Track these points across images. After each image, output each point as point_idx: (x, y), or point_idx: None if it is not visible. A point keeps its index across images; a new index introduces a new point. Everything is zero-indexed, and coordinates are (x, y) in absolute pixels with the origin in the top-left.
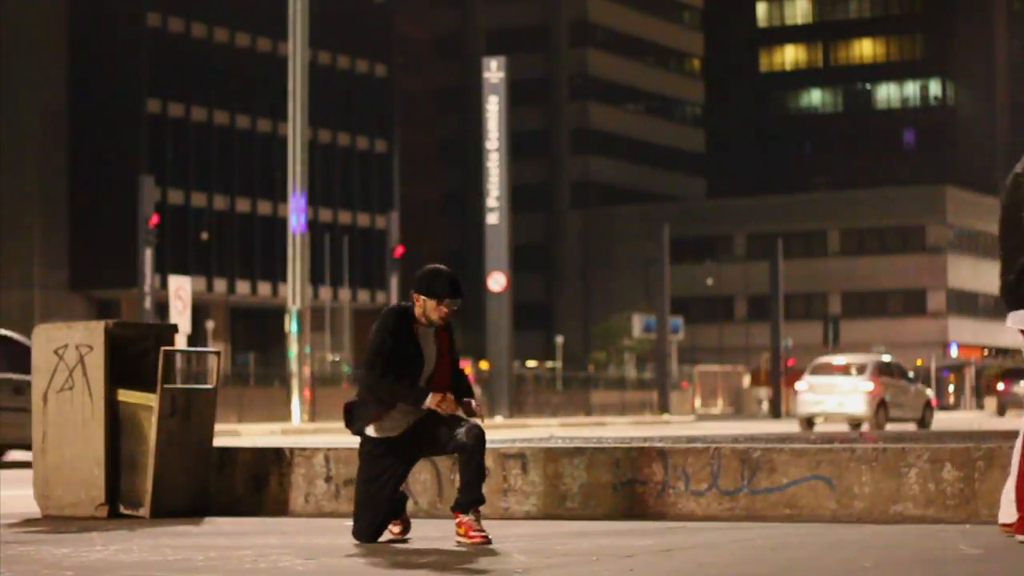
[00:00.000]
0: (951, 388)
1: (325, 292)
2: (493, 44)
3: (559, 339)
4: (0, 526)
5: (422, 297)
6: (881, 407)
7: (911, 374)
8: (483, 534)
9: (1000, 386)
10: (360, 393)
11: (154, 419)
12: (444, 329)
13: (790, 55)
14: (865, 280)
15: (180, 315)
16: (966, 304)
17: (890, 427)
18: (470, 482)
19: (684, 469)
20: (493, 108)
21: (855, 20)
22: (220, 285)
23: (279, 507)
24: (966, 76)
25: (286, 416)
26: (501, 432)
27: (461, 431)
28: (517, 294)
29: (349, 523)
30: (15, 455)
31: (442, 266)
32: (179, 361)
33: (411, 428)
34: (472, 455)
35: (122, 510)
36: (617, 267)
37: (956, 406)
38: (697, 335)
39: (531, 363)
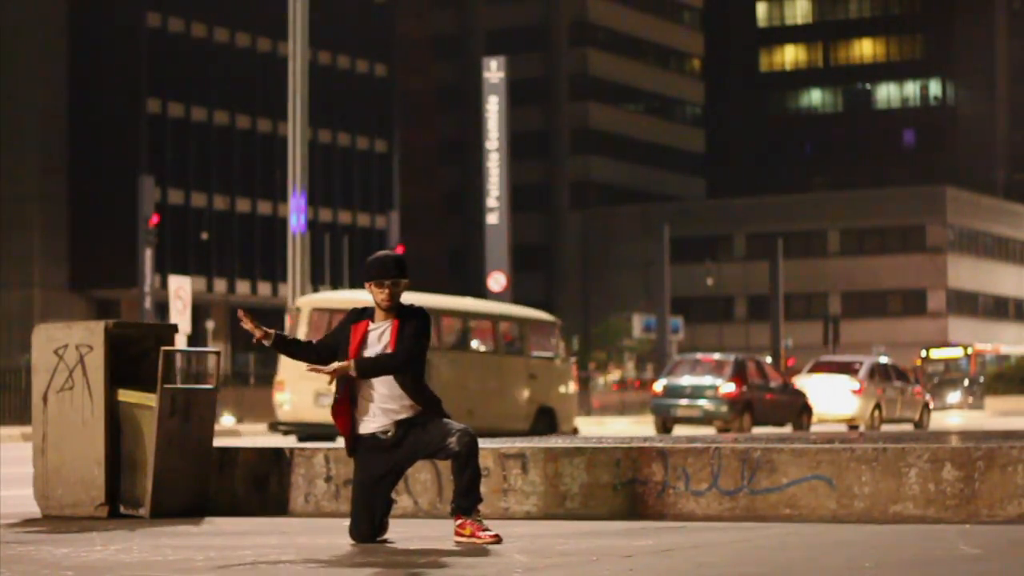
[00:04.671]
0: None
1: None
2: (493, 44)
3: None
4: (0, 526)
5: (369, 283)
6: (876, 408)
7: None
8: (492, 533)
9: None
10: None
11: (154, 419)
12: (399, 319)
13: (790, 55)
14: (865, 280)
15: (180, 315)
16: (966, 304)
17: (886, 428)
18: (469, 488)
19: (684, 469)
20: (493, 108)
21: (855, 20)
22: (220, 285)
23: (279, 507)
24: (966, 76)
25: None
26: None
27: (453, 439)
28: (517, 294)
29: (348, 523)
30: None
31: (387, 251)
32: (179, 361)
33: (401, 432)
34: (467, 462)
35: (122, 510)
36: (617, 267)
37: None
38: (697, 335)
39: None
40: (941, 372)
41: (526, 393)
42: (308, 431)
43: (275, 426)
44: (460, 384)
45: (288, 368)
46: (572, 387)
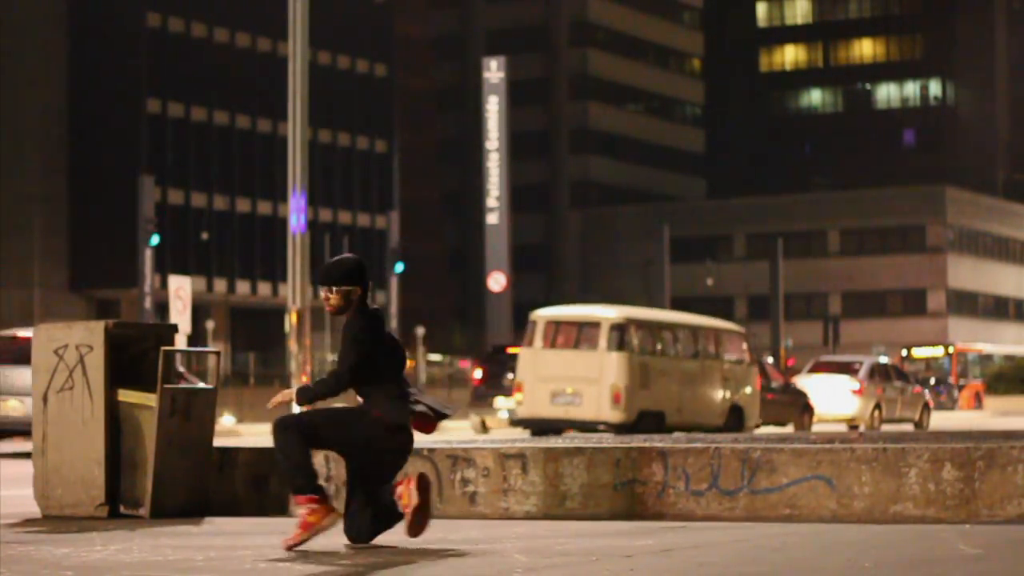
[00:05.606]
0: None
1: None
2: (493, 44)
3: None
4: (0, 526)
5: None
6: (876, 408)
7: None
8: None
9: None
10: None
11: (154, 419)
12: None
13: (790, 55)
14: (865, 280)
15: (180, 315)
16: (966, 304)
17: (886, 428)
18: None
19: (684, 469)
20: (493, 108)
21: (855, 20)
22: (220, 285)
23: (279, 507)
24: (966, 76)
25: None
26: (501, 432)
27: None
28: (517, 294)
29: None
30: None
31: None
32: (179, 361)
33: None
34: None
35: (122, 510)
36: (617, 267)
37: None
38: None
39: None
40: (921, 371)
41: (721, 393)
42: (542, 426)
43: (513, 423)
44: (669, 386)
45: (525, 371)
46: (756, 388)
